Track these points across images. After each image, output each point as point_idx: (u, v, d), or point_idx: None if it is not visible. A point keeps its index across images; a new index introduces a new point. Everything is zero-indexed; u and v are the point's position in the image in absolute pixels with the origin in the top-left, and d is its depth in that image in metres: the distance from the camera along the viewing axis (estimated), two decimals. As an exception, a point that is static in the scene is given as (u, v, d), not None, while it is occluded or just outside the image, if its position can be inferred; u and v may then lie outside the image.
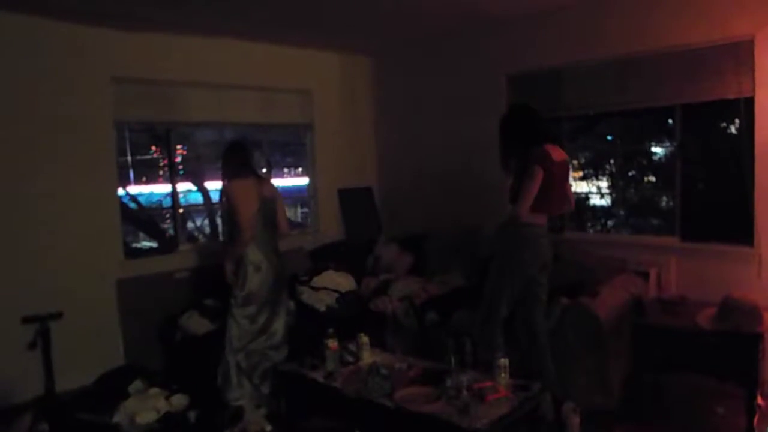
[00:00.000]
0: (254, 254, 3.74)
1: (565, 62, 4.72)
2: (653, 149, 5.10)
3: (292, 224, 6.22)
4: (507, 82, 5.12)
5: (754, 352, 3.17)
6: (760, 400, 3.26)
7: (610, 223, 5.31)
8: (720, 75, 3.97)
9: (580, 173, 5.67)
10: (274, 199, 3.88)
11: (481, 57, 5.28)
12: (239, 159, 3.85)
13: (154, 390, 3.82)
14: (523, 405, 2.62)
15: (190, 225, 7.59)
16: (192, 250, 5.24)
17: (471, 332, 3.45)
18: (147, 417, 3.53)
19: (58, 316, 4.02)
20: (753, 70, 3.82)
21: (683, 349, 3.36)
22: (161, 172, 7.38)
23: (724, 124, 4.33)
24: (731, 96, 3.95)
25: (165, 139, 5.25)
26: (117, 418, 3.54)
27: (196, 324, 4.40)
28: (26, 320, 3.94)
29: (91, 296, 4.43)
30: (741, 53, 3.86)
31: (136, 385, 3.90)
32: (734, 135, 4.21)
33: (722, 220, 4.18)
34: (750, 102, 3.87)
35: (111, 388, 3.90)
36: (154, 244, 6.62)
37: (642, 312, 3.75)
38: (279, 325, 3.87)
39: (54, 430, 3.35)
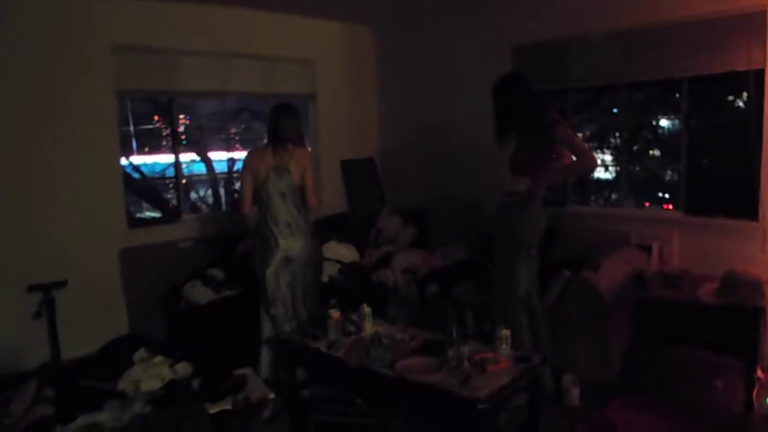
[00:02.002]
0: (266, 230, 3.62)
1: (571, 34, 4.65)
2: (659, 123, 5.05)
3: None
4: (512, 53, 5.04)
5: (755, 325, 3.18)
6: (759, 374, 3.28)
7: (613, 196, 5.29)
8: (730, 47, 3.91)
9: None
10: (301, 170, 3.66)
11: (486, 27, 5.20)
12: (270, 126, 3.66)
13: (159, 358, 3.85)
14: (524, 376, 2.64)
15: (193, 195, 7.60)
16: (195, 220, 5.24)
17: (493, 317, 3.35)
18: (151, 384, 3.57)
19: (63, 284, 4.08)
20: (764, 42, 3.75)
21: (684, 323, 3.37)
22: (164, 142, 7.36)
23: (732, 98, 4.27)
24: (741, 68, 3.88)
25: (167, 109, 5.21)
26: (122, 385, 3.58)
27: (200, 293, 4.43)
28: (31, 288, 3.99)
29: (95, 265, 4.45)
30: (752, 24, 3.79)
31: (141, 353, 3.93)
32: (742, 108, 4.15)
33: (727, 194, 4.15)
34: (760, 74, 3.81)
35: (115, 356, 3.94)
36: (157, 214, 6.64)
37: (644, 285, 3.75)
38: (301, 309, 3.80)
39: (60, 397, 3.39)
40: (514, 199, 3.36)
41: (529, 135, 3.33)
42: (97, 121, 4.47)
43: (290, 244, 3.66)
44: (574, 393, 3.35)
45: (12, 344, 3.94)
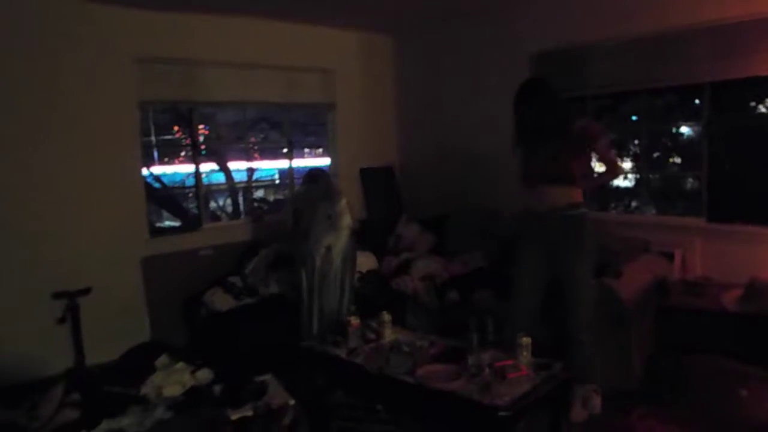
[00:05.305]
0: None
1: (590, 40, 4.63)
2: (680, 129, 5.00)
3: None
4: (531, 60, 5.04)
5: (780, 334, 3.13)
6: (785, 383, 3.22)
7: (634, 203, 5.25)
8: (751, 52, 3.86)
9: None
10: None
11: (504, 35, 5.21)
12: None
13: (180, 364, 3.89)
14: (545, 383, 2.63)
15: (212, 205, 7.69)
16: (215, 228, 5.30)
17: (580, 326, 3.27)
18: (173, 390, 3.61)
19: (87, 291, 4.14)
20: (787, 47, 3.71)
21: (707, 331, 3.34)
22: (183, 153, 7.46)
23: (754, 103, 4.23)
24: (762, 73, 3.84)
25: (188, 119, 5.29)
26: (144, 390, 3.62)
27: (220, 300, 4.47)
28: (56, 296, 4.06)
29: (117, 273, 4.51)
30: (774, 29, 3.76)
31: (163, 359, 3.97)
32: (764, 113, 4.11)
33: (749, 200, 4.10)
34: (783, 79, 3.78)
35: (138, 363, 3.99)
36: (176, 223, 6.72)
37: (666, 293, 3.71)
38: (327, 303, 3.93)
39: (85, 401, 3.44)
40: (583, 211, 3.31)
41: (575, 144, 3.26)
42: (119, 132, 4.55)
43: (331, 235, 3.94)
44: (596, 401, 3.32)
45: (37, 350, 4.02)
